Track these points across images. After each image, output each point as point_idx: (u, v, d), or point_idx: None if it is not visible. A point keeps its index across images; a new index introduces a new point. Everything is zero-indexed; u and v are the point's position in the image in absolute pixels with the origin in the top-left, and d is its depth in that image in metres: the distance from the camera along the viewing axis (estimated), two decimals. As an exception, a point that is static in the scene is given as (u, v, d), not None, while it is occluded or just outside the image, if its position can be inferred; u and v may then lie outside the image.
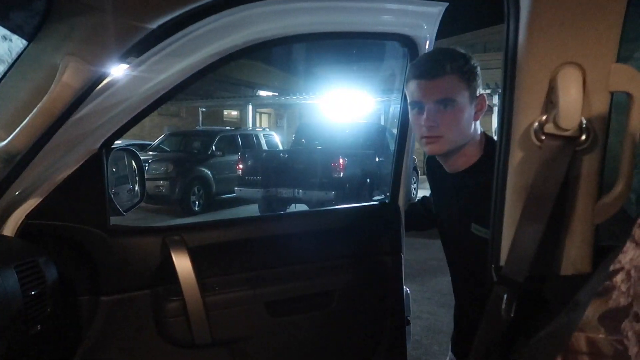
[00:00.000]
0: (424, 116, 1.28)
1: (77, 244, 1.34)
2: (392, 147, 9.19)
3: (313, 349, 1.59)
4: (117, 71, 1.17)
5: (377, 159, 9.48)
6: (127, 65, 1.25)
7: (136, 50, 1.03)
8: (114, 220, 1.44)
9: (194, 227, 1.54)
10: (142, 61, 1.26)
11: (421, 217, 1.72)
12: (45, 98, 0.96)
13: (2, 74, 1.02)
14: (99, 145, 1.32)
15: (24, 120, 0.98)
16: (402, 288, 1.69)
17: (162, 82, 1.30)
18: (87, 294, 1.37)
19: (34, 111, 0.97)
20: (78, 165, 1.29)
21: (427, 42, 1.57)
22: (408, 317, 1.72)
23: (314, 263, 1.60)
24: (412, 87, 1.31)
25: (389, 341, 1.67)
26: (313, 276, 1.57)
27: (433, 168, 1.52)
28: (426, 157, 1.57)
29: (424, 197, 1.74)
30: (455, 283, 1.53)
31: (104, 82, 1.10)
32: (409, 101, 1.33)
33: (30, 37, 0.98)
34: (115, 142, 1.41)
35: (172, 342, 1.43)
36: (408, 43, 1.56)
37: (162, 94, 1.32)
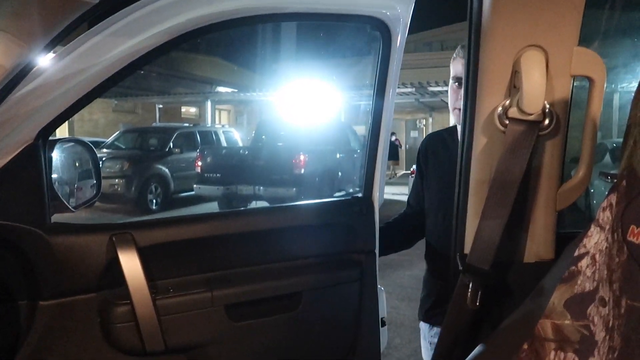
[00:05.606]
0: (462, 90, 1.51)
1: (11, 244, 1.21)
2: (353, 143, 9.22)
3: (278, 355, 1.50)
4: (53, 51, 1.07)
5: (337, 156, 9.49)
6: (65, 45, 1.15)
7: (76, 27, 0.94)
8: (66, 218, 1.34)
9: (145, 224, 1.41)
10: (82, 41, 1.14)
11: (408, 231, 1.84)
12: None
13: None
14: (34, 135, 1.19)
15: None
16: (377, 288, 1.60)
17: (105, 66, 1.18)
18: (24, 298, 1.24)
19: None
20: (10, 158, 1.16)
21: (401, 26, 1.45)
22: (383, 318, 1.64)
23: (280, 263, 1.50)
24: (457, 65, 1.62)
25: (363, 344, 1.58)
26: (278, 277, 1.48)
27: (435, 147, 1.80)
28: (426, 140, 1.89)
29: (405, 214, 1.89)
30: (441, 249, 1.69)
31: (39, 63, 1.01)
32: (451, 75, 1.62)
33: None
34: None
35: (121, 350, 1.32)
36: (380, 26, 1.44)
37: (106, 79, 1.20)
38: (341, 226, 1.58)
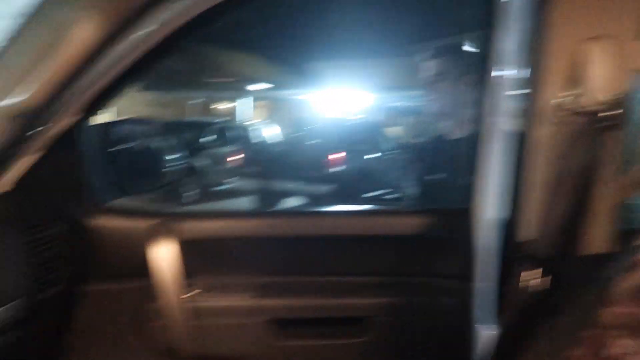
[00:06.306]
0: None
1: (56, 227, 1.16)
2: (390, 143, 9.07)
3: None
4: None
5: (373, 155, 9.50)
6: None
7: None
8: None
9: (196, 215, 1.32)
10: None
11: None
12: (57, 54, 0.89)
13: (14, 29, 0.96)
14: (75, 116, 1.10)
15: (36, 78, 0.91)
16: (472, 324, 1.22)
17: (142, 36, 1.02)
18: (70, 282, 1.21)
19: (45, 69, 0.91)
20: (50, 141, 1.10)
21: None
22: None
23: (348, 277, 1.28)
24: None
25: None
26: (344, 294, 1.26)
27: None
28: None
29: None
30: None
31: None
32: None
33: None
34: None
35: (148, 347, 1.24)
36: None
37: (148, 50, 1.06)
38: (432, 242, 1.31)
